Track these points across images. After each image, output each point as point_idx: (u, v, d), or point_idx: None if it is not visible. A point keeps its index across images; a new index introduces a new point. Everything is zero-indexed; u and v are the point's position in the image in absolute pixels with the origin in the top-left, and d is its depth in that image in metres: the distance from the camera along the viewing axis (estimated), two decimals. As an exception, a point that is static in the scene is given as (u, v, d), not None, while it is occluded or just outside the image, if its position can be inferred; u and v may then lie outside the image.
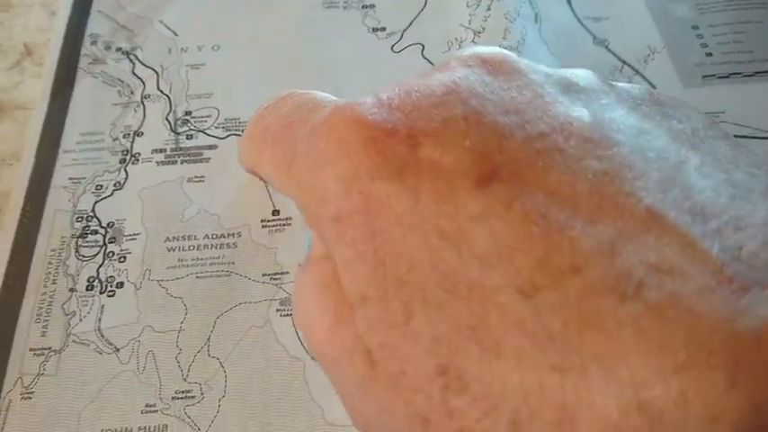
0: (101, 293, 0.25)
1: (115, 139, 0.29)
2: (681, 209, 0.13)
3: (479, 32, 0.33)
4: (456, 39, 0.33)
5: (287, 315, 0.25)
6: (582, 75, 0.17)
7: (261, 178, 0.21)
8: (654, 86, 0.31)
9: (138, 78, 0.31)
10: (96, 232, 0.27)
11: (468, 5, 0.34)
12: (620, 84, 0.17)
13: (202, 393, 0.23)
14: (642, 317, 0.12)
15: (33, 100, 0.31)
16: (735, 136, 0.29)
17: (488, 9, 0.33)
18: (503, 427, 0.13)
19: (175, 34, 0.33)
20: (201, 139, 0.29)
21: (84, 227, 0.27)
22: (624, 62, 0.32)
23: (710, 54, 0.32)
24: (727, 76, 0.31)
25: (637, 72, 0.31)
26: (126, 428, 0.23)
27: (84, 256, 0.26)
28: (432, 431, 0.14)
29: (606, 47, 0.32)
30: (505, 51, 0.17)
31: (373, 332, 0.14)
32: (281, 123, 0.19)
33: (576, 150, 0.14)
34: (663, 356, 0.11)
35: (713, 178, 0.14)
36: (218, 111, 0.30)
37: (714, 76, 0.31)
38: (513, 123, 0.14)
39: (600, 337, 0.12)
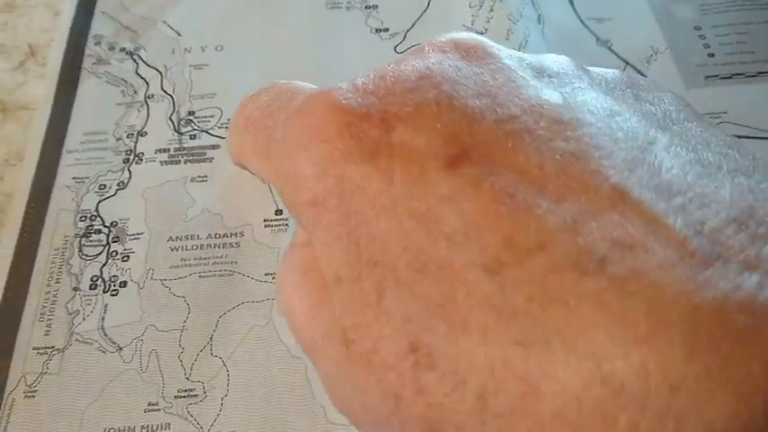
0: (104, 293, 0.25)
1: (119, 139, 0.29)
2: (646, 186, 0.13)
3: (482, 33, 0.33)
4: (459, 40, 0.33)
5: (289, 314, 0.25)
6: (556, 59, 0.17)
7: (248, 170, 0.21)
8: (657, 87, 0.31)
9: (142, 78, 0.31)
10: (100, 231, 0.27)
11: (470, 6, 0.34)
12: (594, 69, 0.18)
13: (205, 392, 0.23)
14: (604, 291, 0.12)
15: (37, 100, 0.31)
16: (737, 136, 0.29)
17: (491, 10, 0.33)
18: (470, 400, 0.13)
19: (179, 35, 0.33)
20: (205, 139, 0.29)
21: (88, 226, 0.27)
22: (627, 62, 0.32)
23: (713, 55, 0.32)
24: (730, 77, 0.31)
25: (640, 73, 0.31)
26: (129, 427, 0.23)
27: (87, 256, 0.26)
28: (403, 407, 0.14)
29: (609, 47, 0.32)
30: (480, 37, 0.17)
31: (348, 313, 0.15)
32: (262, 112, 0.19)
33: (545, 131, 0.14)
34: (624, 329, 0.12)
35: (681, 158, 0.14)
36: (222, 111, 0.30)
37: (717, 76, 0.31)
38: (485, 106, 0.15)
39: (562, 312, 0.12)
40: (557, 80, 0.16)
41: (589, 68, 0.18)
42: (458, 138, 0.14)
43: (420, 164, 0.14)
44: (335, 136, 0.15)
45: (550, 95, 0.15)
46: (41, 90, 0.31)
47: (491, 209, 0.13)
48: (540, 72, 0.16)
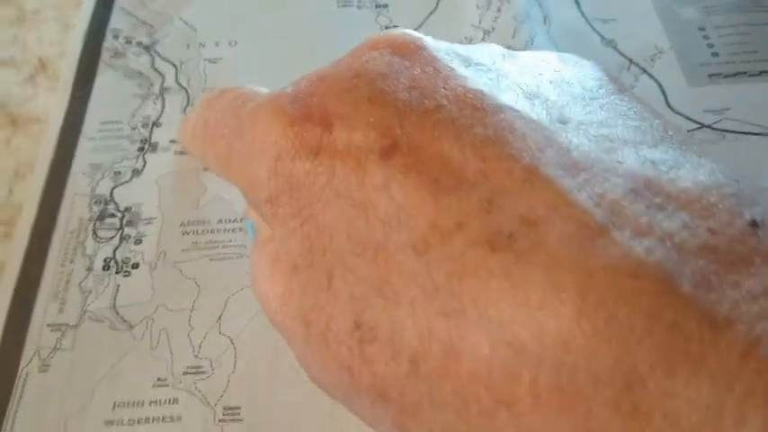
0: (117, 273, 0.26)
1: (134, 129, 0.30)
2: (554, 165, 0.14)
3: (489, 32, 0.34)
4: (466, 37, 0.34)
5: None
6: (486, 48, 0.19)
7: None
8: (661, 85, 0.32)
9: (158, 72, 0.32)
10: (114, 216, 0.28)
11: (478, 7, 0.35)
12: (526, 52, 0.19)
13: (212, 369, 0.24)
14: (510, 264, 0.13)
15: (47, 113, 0.31)
16: (740, 133, 0.30)
17: (498, 11, 0.34)
18: (405, 365, 0.15)
19: (194, 30, 0.34)
20: (218, 131, 0.30)
21: (102, 210, 0.28)
22: (631, 61, 0.32)
23: (717, 54, 0.33)
24: (733, 75, 0.32)
25: (644, 71, 0.32)
26: (138, 401, 0.23)
27: (101, 238, 0.27)
28: (355, 378, 0.16)
29: (614, 47, 0.33)
30: (411, 32, 0.18)
31: (305, 297, 0.16)
32: (217, 122, 0.21)
33: (466, 119, 0.15)
34: (525, 296, 0.13)
35: (592, 135, 0.15)
36: (234, 104, 0.31)
37: (720, 75, 0.32)
38: (414, 98, 0.16)
39: (475, 284, 0.14)
40: (483, 67, 0.17)
41: (521, 52, 0.19)
42: (390, 130, 0.16)
43: (357, 157, 0.16)
44: (282, 137, 0.17)
45: (475, 83, 0.16)
46: (52, 103, 0.32)
47: (418, 195, 0.15)
48: (468, 61, 0.17)
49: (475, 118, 0.15)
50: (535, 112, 0.16)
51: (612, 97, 0.17)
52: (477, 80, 0.17)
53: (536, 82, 0.17)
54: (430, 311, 0.14)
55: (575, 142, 0.15)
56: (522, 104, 0.16)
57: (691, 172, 0.15)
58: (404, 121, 0.16)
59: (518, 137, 0.15)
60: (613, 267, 0.13)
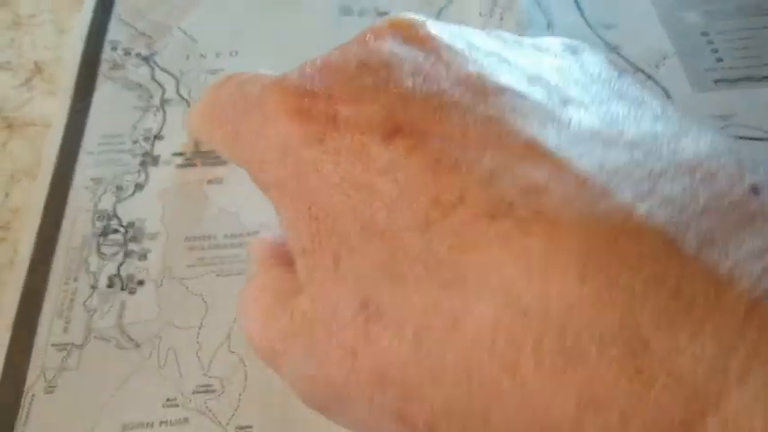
0: (122, 290, 0.26)
1: (135, 142, 0.30)
2: (555, 138, 0.15)
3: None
4: (469, 45, 0.33)
5: (307, 310, 0.25)
6: (489, 34, 0.19)
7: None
8: (667, 92, 0.32)
9: (158, 83, 0.32)
10: (117, 231, 0.27)
11: (480, 15, 0.34)
12: (527, 39, 0.19)
13: (223, 387, 0.24)
14: (509, 231, 0.14)
15: (43, 116, 0.31)
16: (744, 138, 0.30)
17: (501, 19, 0.34)
18: (408, 340, 0.15)
19: (194, 41, 0.34)
20: (220, 142, 0.30)
21: (105, 226, 0.27)
22: (636, 67, 0.32)
23: (721, 60, 0.32)
24: (738, 81, 0.32)
25: (650, 77, 0.32)
26: (147, 422, 0.23)
27: (105, 255, 0.27)
28: (357, 362, 0.16)
29: (618, 53, 0.33)
30: (416, 18, 0.18)
31: (311, 280, 0.17)
32: (224, 102, 0.21)
33: (469, 101, 0.16)
34: (526, 262, 0.13)
35: (592, 112, 0.16)
36: (237, 115, 0.31)
37: (725, 80, 0.32)
38: (417, 85, 0.16)
39: (476, 254, 0.14)
40: (486, 52, 0.18)
41: (524, 38, 0.19)
42: (392, 115, 0.16)
43: (361, 141, 0.16)
44: (288, 122, 0.17)
45: (477, 67, 0.17)
46: (48, 107, 0.31)
47: (420, 175, 0.15)
48: (471, 45, 0.18)
49: (477, 100, 0.16)
50: (536, 93, 0.16)
51: (612, 82, 0.18)
52: (479, 65, 0.17)
53: (538, 66, 0.18)
54: (434, 286, 0.14)
55: (575, 119, 0.15)
56: (523, 86, 0.16)
57: (691, 142, 0.15)
58: (407, 106, 0.16)
59: (519, 115, 0.15)
60: (615, 231, 0.13)
